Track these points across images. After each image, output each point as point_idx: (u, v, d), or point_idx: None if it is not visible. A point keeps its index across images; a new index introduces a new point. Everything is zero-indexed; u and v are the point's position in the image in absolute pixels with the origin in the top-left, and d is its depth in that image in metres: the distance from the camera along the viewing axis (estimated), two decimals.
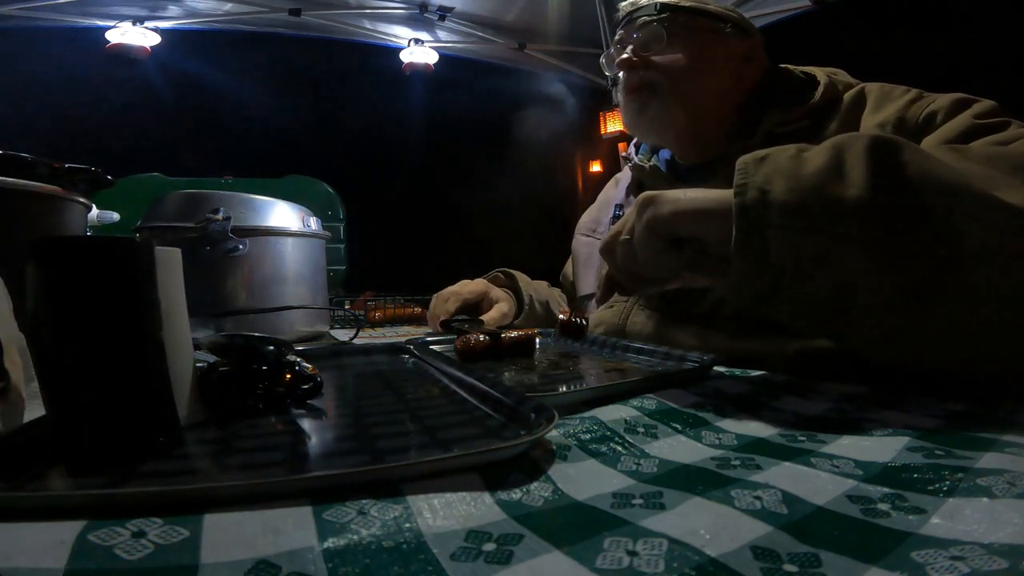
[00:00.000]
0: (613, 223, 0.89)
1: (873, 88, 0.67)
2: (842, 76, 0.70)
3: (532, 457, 0.28)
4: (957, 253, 0.34)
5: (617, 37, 0.77)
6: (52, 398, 0.29)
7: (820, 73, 0.70)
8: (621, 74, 0.75)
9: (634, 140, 0.86)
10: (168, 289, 0.33)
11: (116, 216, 1.13)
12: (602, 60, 0.80)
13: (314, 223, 0.93)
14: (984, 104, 0.57)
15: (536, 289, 0.99)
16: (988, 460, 0.26)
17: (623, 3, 0.77)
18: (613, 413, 0.36)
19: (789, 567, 0.18)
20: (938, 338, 0.37)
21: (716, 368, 0.50)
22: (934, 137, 0.57)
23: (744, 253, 0.38)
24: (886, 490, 0.24)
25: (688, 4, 0.72)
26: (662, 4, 0.71)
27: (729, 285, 0.40)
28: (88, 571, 0.18)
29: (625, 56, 0.73)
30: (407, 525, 0.21)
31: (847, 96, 0.67)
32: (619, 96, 0.78)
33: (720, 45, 0.72)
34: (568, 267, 1.06)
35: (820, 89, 0.67)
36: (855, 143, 0.37)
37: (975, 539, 0.19)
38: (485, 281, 0.97)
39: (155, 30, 2.97)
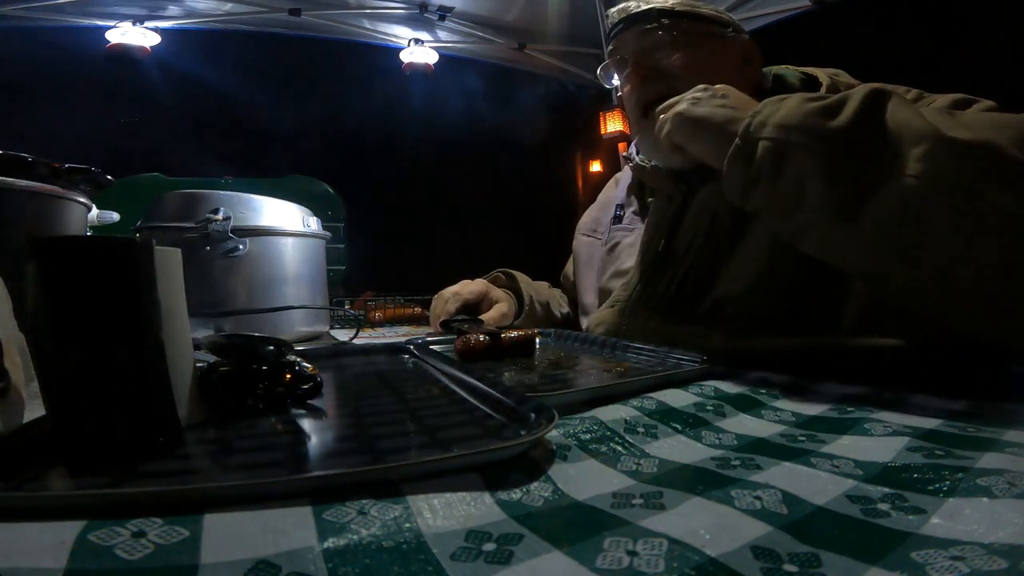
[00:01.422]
0: (614, 223, 0.89)
1: None
2: (843, 77, 0.70)
3: (532, 457, 0.28)
4: (896, 177, 0.40)
5: (611, 47, 0.76)
6: (52, 398, 0.29)
7: (821, 74, 0.70)
8: (627, 87, 0.74)
9: (634, 141, 0.85)
10: (168, 289, 0.33)
11: (116, 216, 1.13)
12: (599, 72, 0.79)
13: (314, 223, 0.93)
14: (984, 104, 0.57)
15: (536, 290, 0.99)
16: (988, 460, 0.26)
17: (612, 10, 0.76)
18: (613, 413, 0.36)
19: (789, 567, 0.18)
20: (870, 249, 0.43)
21: (716, 368, 0.50)
22: None
23: (736, 159, 0.48)
24: (886, 490, 0.24)
25: (685, 9, 0.71)
26: (660, 11, 0.71)
27: (722, 182, 0.50)
28: (88, 571, 0.18)
29: (631, 68, 0.72)
30: (407, 525, 0.21)
31: None
32: (629, 114, 0.76)
33: (722, 49, 0.71)
34: (568, 267, 1.05)
35: (822, 90, 0.67)
36: (861, 91, 0.45)
37: (975, 539, 0.19)
38: (485, 281, 0.97)
39: (155, 30, 2.96)
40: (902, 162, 0.40)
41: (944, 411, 0.37)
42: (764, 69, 0.75)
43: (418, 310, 1.26)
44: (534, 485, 0.25)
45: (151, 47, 2.97)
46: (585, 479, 0.26)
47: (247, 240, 0.81)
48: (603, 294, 0.83)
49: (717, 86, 0.56)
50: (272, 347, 0.40)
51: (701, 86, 0.57)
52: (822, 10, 2.70)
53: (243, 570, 0.18)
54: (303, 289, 0.88)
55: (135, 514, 0.21)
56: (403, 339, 0.79)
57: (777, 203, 0.47)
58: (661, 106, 0.60)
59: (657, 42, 0.71)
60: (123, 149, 3.12)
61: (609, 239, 0.87)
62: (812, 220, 0.45)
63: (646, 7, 0.72)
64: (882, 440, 0.31)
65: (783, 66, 0.76)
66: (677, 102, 0.57)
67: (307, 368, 0.42)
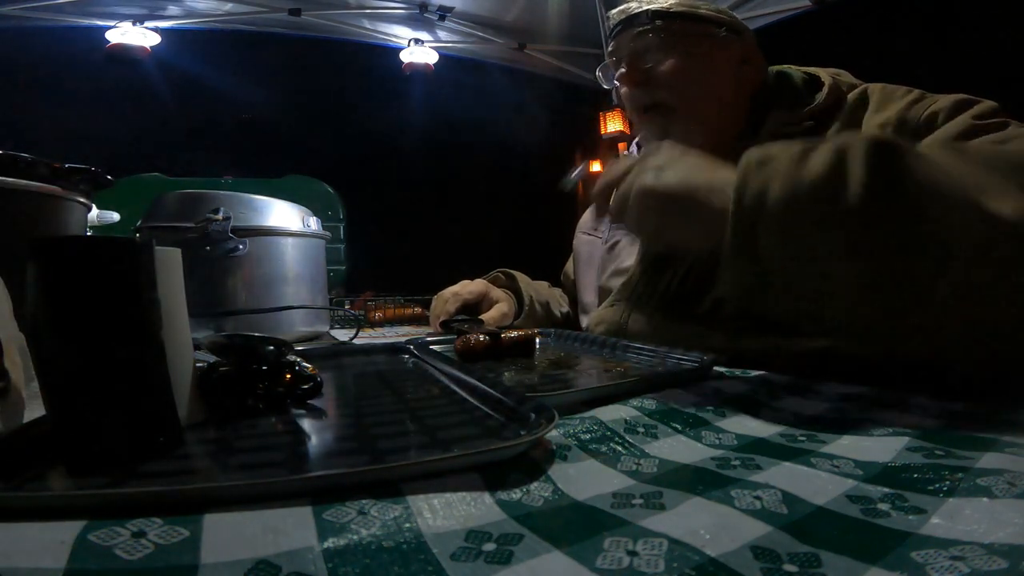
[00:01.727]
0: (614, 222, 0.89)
1: (876, 88, 0.67)
2: (845, 77, 0.70)
3: (532, 457, 0.28)
4: (939, 260, 0.35)
5: (610, 48, 0.76)
6: (52, 398, 0.29)
7: (824, 74, 0.70)
8: (624, 89, 0.74)
9: (635, 139, 0.86)
10: (168, 289, 0.33)
11: (116, 216, 1.13)
12: (599, 73, 0.80)
13: (314, 223, 0.93)
14: (985, 105, 0.57)
15: (536, 289, 0.99)
16: (988, 460, 0.26)
17: (613, 12, 0.76)
18: (613, 413, 0.36)
19: (789, 567, 0.18)
20: (915, 332, 0.37)
21: (716, 368, 0.50)
22: (934, 138, 0.57)
23: (736, 253, 0.39)
24: (886, 490, 0.24)
25: (681, 10, 0.70)
26: (654, 12, 0.70)
27: (721, 277, 0.41)
28: (88, 571, 0.18)
29: (624, 71, 0.72)
30: (407, 525, 0.21)
31: (850, 96, 0.67)
32: (629, 114, 0.76)
33: (718, 50, 0.71)
34: (569, 266, 1.06)
35: (825, 90, 0.67)
36: (858, 145, 0.37)
37: (975, 539, 0.19)
38: (485, 281, 0.97)
39: (155, 30, 2.97)
40: (951, 250, 0.34)
41: (944, 411, 0.37)
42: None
43: (418, 310, 1.26)
44: (534, 485, 0.25)
45: (151, 47, 2.97)
46: (585, 479, 0.26)
47: (247, 240, 0.81)
48: (603, 293, 0.84)
49: (666, 144, 0.48)
50: (272, 347, 0.40)
51: (654, 146, 0.48)
52: (822, 10, 2.70)
53: (243, 570, 0.18)
54: (303, 289, 0.88)
55: (135, 514, 0.21)
56: (403, 339, 0.79)
57: (800, 308, 0.39)
58: (607, 180, 0.49)
59: (650, 45, 0.71)
60: (123, 149, 3.12)
61: (610, 238, 0.87)
62: (846, 316, 0.38)
63: (644, 7, 0.72)
64: (882, 440, 0.31)
65: (786, 65, 0.76)
66: (636, 173, 0.46)
67: (307, 368, 0.42)
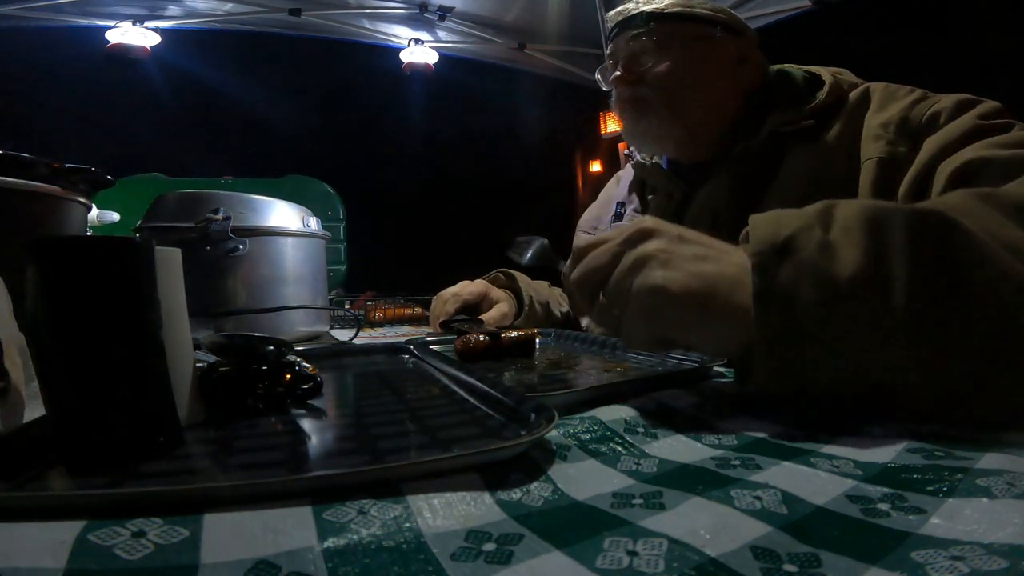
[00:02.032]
0: (615, 221, 0.89)
1: (878, 88, 0.67)
2: (847, 76, 0.70)
3: (532, 457, 0.28)
4: (1004, 320, 0.31)
5: (608, 51, 0.77)
6: (52, 398, 0.29)
7: (825, 73, 0.70)
8: (618, 91, 0.75)
9: None
10: (168, 289, 0.33)
11: (116, 216, 1.13)
12: (598, 75, 0.80)
13: (314, 223, 0.93)
14: (988, 105, 0.57)
15: (536, 289, 0.99)
16: (988, 460, 0.26)
17: (610, 13, 0.77)
18: (613, 413, 0.36)
19: (789, 567, 0.18)
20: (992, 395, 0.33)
21: (716, 368, 0.50)
22: (936, 138, 0.57)
23: (769, 372, 0.34)
24: (886, 490, 0.24)
25: (675, 11, 0.71)
26: (648, 14, 0.71)
27: (755, 379, 0.35)
28: (88, 571, 0.18)
29: (618, 73, 0.73)
30: (407, 525, 0.21)
31: (852, 96, 0.67)
32: (617, 112, 0.77)
33: (711, 50, 0.71)
34: (569, 266, 1.05)
35: (826, 89, 0.67)
36: (893, 223, 0.33)
37: (975, 539, 0.19)
38: (485, 282, 0.97)
39: (155, 30, 2.97)
40: (1012, 313, 0.31)
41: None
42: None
43: (418, 310, 1.26)
44: (534, 485, 0.25)
45: (151, 47, 2.97)
46: (585, 479, 0.26)
47: (247, 240, 0.81)
48: None
49: (647, 223, 0.39)
50: (272, 347, 0.40)
51: (646, 226, 0.39)
52: (822, 10, 2.70)
53: (243, 570, 0.18)
54: (303, 289, 0.88)
55: (135, 514, 0.21)
56: (403, 339, 0.79)
57: (862, 401, 0.35)
58: (590, 269, 0.41)
59: (645, 47, 0.71)
60: (123, 149, 3.12)
61: None
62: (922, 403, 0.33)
63: (640, 8, 0.72)
64: (882, 440, 0.31)
65: (787, 64, 0.76)
66: (631, 265, 0.37)
67: (307, 368, 0.42)
